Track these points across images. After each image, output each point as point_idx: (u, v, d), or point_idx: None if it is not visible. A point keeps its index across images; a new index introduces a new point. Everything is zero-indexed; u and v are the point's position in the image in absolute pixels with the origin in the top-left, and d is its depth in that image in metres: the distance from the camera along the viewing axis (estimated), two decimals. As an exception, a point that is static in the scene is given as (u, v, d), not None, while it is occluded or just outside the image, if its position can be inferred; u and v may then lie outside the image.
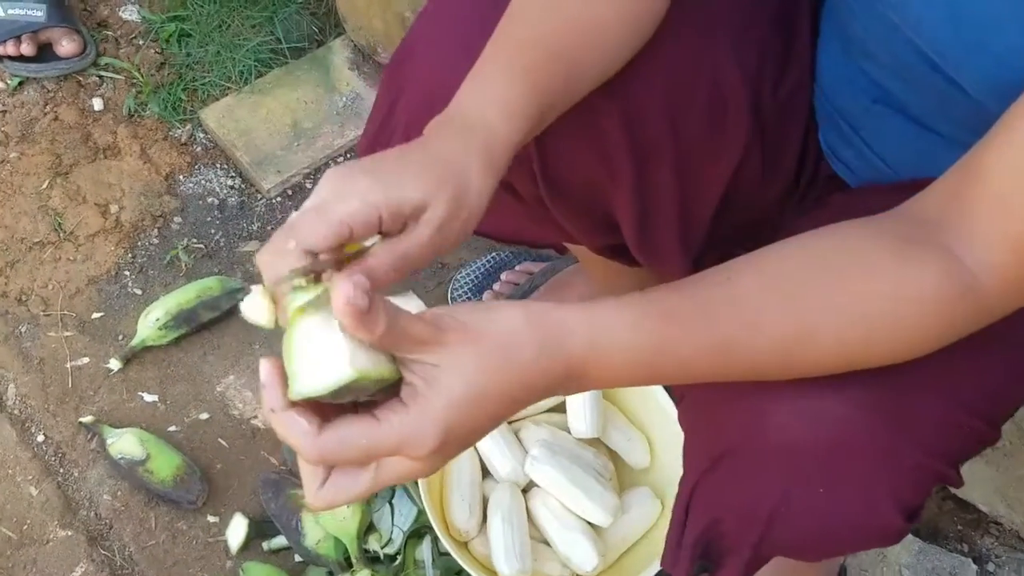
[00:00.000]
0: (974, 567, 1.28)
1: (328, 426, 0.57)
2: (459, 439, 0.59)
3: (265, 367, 0.60)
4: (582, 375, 0.61)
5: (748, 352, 0.64)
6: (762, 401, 0.70)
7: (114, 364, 1.40)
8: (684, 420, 0.81)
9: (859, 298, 0.63)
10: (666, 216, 0.94)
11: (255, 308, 0.62)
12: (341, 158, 1.60)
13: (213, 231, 1.53)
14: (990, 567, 1.30)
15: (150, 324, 1.40)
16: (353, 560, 1.22)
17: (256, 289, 0.62)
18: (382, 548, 1.24)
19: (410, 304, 0.61)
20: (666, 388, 1.23)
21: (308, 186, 1.58)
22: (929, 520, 1.32)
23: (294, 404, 0.58)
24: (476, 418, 0.59)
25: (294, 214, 0.62)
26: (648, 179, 0.90)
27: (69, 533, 1.30)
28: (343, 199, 0.60)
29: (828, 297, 0.63)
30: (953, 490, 1.13)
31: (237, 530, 1.27)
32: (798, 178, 0.98)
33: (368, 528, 1.25)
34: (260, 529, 1.28)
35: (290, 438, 0.58)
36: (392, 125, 0.90)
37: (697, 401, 0.77)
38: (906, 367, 0.66)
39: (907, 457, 0.70)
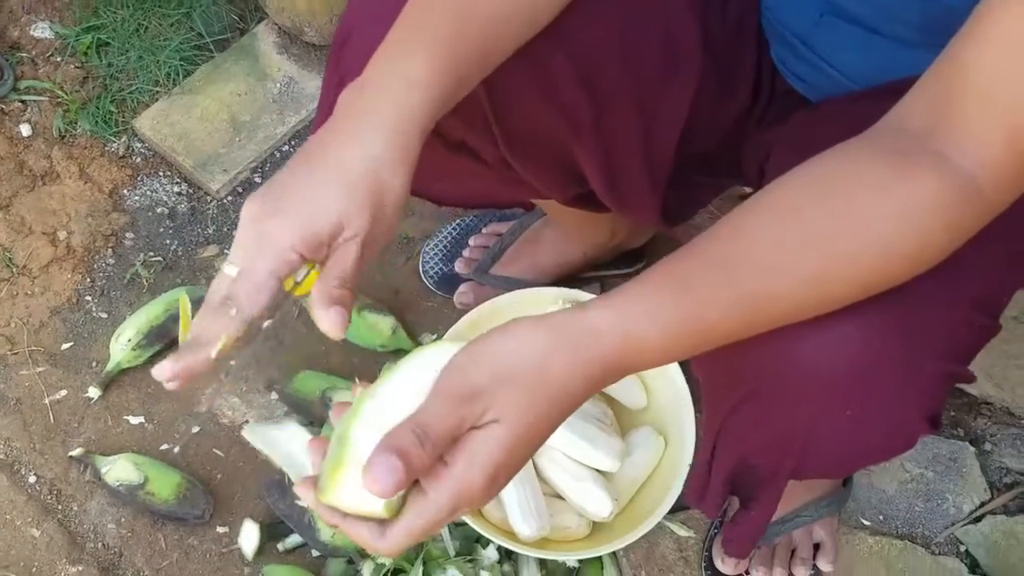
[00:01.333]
0: (972, 449, 1.31)
1: (388, 525, 0.59)
2: (511, 469, 0.60)
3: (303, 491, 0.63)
4: (620, 367, 0.62)
5: (774, 302, 0.64)
6: (782, 338, 0.70)
7: (93, 392, 1.37)
8: (701, 368, 0.81)
9: (870, 222, 0.63)
10: (630, 158, 0.94)
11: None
12: (286, 146, 1.57)
13: (168, 241, 1.50)
14: (987, 446, 1.33)
15: (122, 346, 1.37)
16: (371, 546, 1.22)
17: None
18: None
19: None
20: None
21: (257, 180, 1.54)
22: (923, 411, 1.34)
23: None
24: (528, 446, 0.60)
25: (223, 271, 0.64)
26: (608, 122, 0.89)
27: (80, 568, 1.29)
28: (262, 253, 0.63)
29: (840, 228, 0.63)
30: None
31: (249, 536, 1.27)
32: (755, 98, 0.98)
33: (381, 513, 1.24)
34: (272, 531, 1.28)
35: (359, 541, 0.61)
36: None
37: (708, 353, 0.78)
38: (915, 280, 0.67)
39: (926, 366, 0.71)
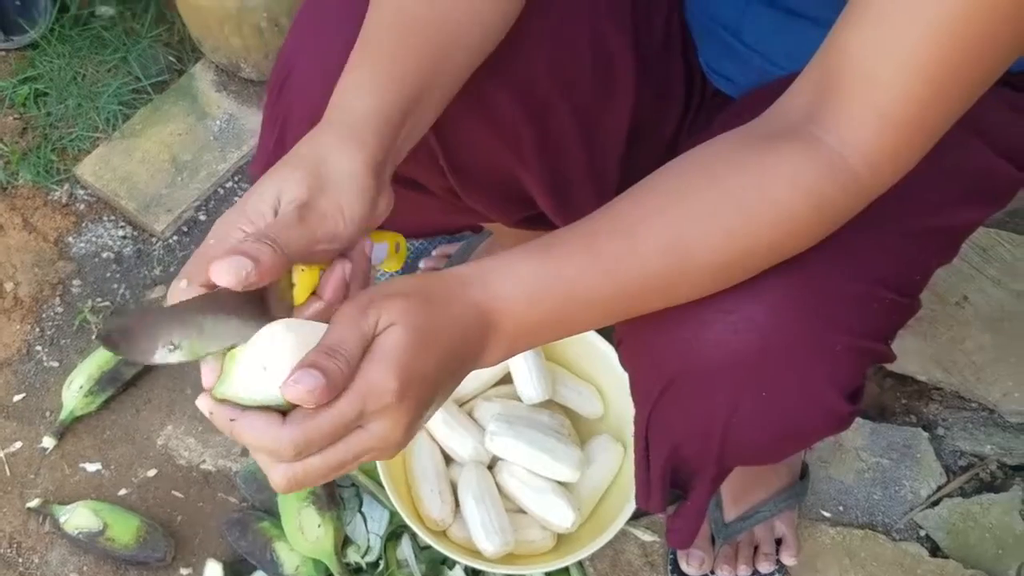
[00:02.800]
0: (925, 434, 1.33)
1: (287, 418, 0.57)
2: (417, 385, 0.58)
3: (205, 369, 0.61)
4: (495, 324, 0.62)
5: (636, 271, 0.64)
6: (692, 325, 0.71)
7: (48, 442, 1.35)
8: (626, 361, 0.82)
9: (728, 194, 0.64)
10: (576, 175, 0.95)
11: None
12: (229, 182, 1.56)
13: (115, 286, 1.49)
14: (939, 431, 1.35)
15: (75, 393, 1.36)
16: (336, 576, 1.22)
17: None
18: (363, 558, 1.23)
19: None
20: (604, 335, 1.24)
21: (202, 218, 1.54)
22: (874, 401, 1.36)
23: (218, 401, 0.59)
24: (426, 360, 0.59)
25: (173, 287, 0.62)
26: (551, 143, 0.90)
27: (43, 622, 1.27)
28: (219, 238, 0.62)
29: (698, 200, 0.64)
30: (889, 366, 1.17)
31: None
32: (688, 105, 0.99)
33: (344, 542, 1.24)
34: (236, 569, 1.27)
35: (254, 439, 0.57)
36: (286, 148, 0.88)
37: (634, 339, 0.79)
38: (812, 258, 0.68)
39: (834, 342, 0.72)
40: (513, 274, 0.62)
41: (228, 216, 0.62)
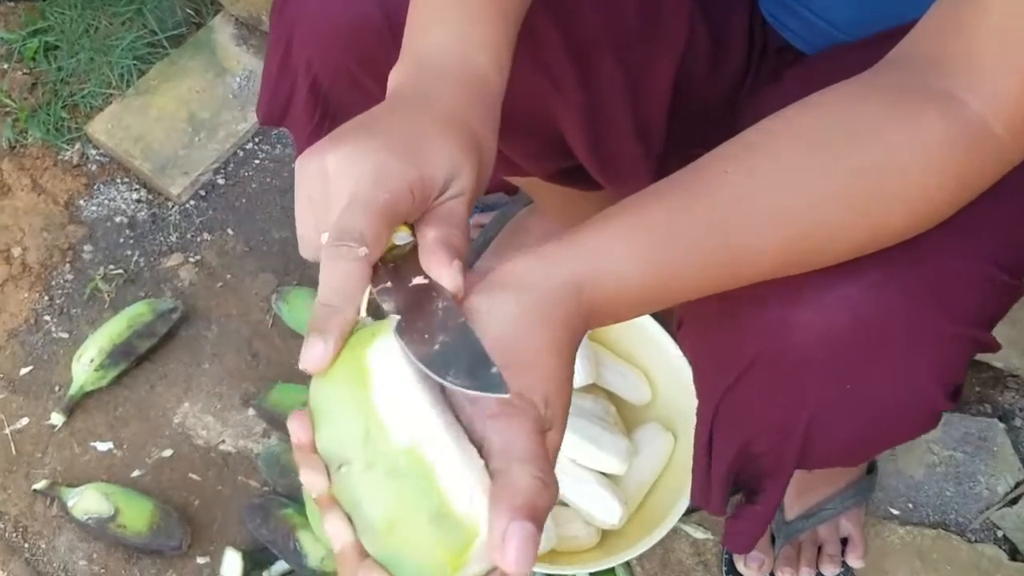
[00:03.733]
0: (1001, 426, 1.23)
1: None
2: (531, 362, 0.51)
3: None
4: (590, 308, 0.54)
5: (760, 256, 0.56)
6: (777, 303, 0.63)
7: (56, 419, 1.27)
8: (689, 344, 0.73)
9: (863, 166, 0.56)
10: (618, 121, 0.87)
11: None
12: (250, 143, 1.47)
13: (129, 252, 1.40)
14: (1017, 422, 1.25)
15: (85, 367, 1.28)
16: (363, 570, 1.13)
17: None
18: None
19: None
20: (655, 316, 1.14)
21: (220, 182, 1.45)
22: (946, 388, 1.26)
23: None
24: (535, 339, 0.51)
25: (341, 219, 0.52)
26: (592, 82, 0.83)
27: (51, 611, 1.19)
28: (377, 184, 0.51)
29: (831, 175, 0.56)
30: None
31: (232, 566, 1.17)
32: (749, 57, 0.90)
33: (372, 533, 1.15)
34: (256, 559, 1.18)
35: None
36: (292, 67, 0.81)
37: (701, 320, 0.70)
38: (925, 232, 0.60)
39: (941, 329, 0.64)
40: (622, 276, 0.55)
41: (389, 154, 0.53)
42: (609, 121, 0.87)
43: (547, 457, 0.48)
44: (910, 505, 1.19)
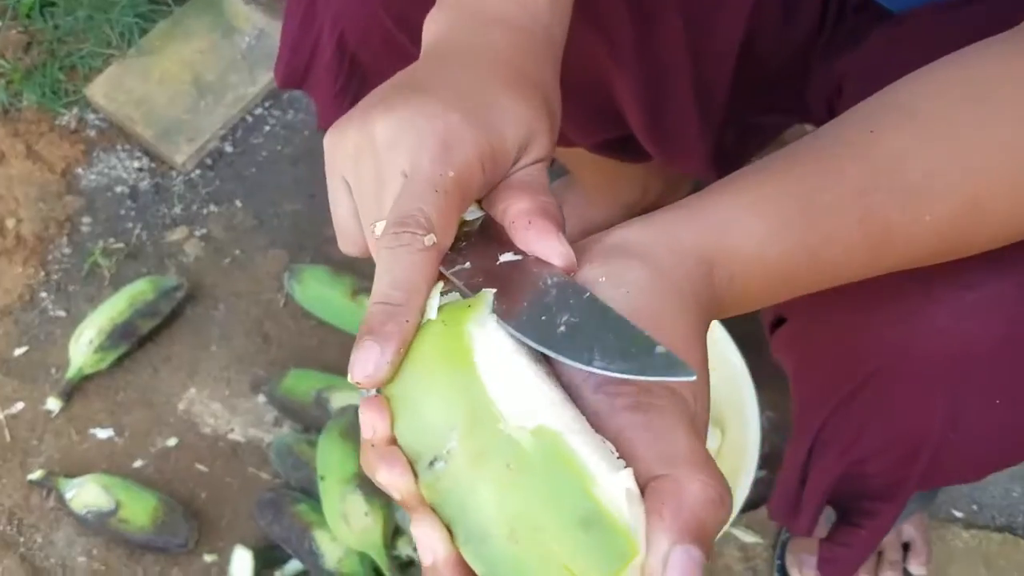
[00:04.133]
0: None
1: None
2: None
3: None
4: (720, 292, 0.45)
5: (918, 228, 0.47)
6: (912, 301, 0.54)
7: (53, 404, 1.19)
8: (791, 347, 0.64)
9: None
10: (678, 86, 0.79)
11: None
12: (259, 108, 1.38)
13: (130, 225, 1.31)
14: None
15: (83, 348, 1.19)
16: (385, 572, 1.05)
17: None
18: (415, 551, 1.07)
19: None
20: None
21: (228, 150, 1.35)
22: None
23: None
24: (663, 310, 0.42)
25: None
26: (653, 40, 0.75)
27: (48, 610, 1.12)
28: (444, 159, 0.43)
29: (996, 142, 0.47)
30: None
31: (242, 565, 1.10)
32: (823, 17, 0.81)
33: (394, 532, 1.07)
34: (268, 558, 1.11)
35: None
36: (316, 23, 0.73)
37: (812, 319, 0.61)
38: None
39: None
40: (757, 260, 0.45)
41: (457, 123, 0.44)
42: (668, 86, 0.79)
43: (715, 465, 0.38)
44: (974, 507, 1.10)
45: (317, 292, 1.21)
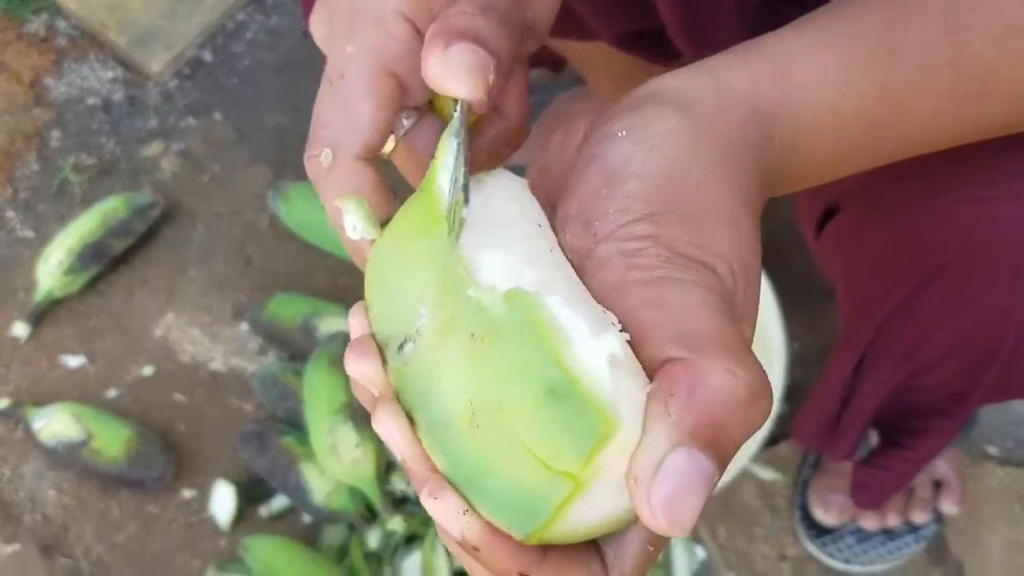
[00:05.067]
0: (1114, 353, 1.06)
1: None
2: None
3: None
4: (784, 151, 0.36)
5: (1011, 84, 0.38)
6: (991, 183, 0.46)
7: (20, 329, 1.11)
8: (845, 245, 0.56)
9: None
10: None
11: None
12: (242, 14, 1.28)
13: (103, 139, 1.22)
14: None
15: (52, 270, 1.11)
16: (377, 508, 0.97)
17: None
18: (410, 486, 0.99)
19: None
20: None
21: (207, 58, 1.25)
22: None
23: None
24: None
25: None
26: None
27: (17, 547, 1.05)
28: (358, 35, 0.36)
29: None
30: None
31: (223, 501, 1.02)
32: None
33: (387, 467, 0.99)
34: (252, 493, 1.03)
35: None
36: None
37: (871, 209, 0.52)
38: None
39: None
40: (830, 113, 0.36)
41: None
42: None
43: (751, 353, 0.29)
44: (1010, 443, 1.03)
45: (304, 212, 1.12)
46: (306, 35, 1.23)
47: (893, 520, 0.95)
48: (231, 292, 1.13)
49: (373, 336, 0.32)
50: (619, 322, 0.29)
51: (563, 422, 0.27)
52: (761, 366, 0.29)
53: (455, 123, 0.33)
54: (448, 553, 0.96)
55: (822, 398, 0.66)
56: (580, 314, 0.28)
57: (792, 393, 0.97)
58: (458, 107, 0.33)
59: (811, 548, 0.97)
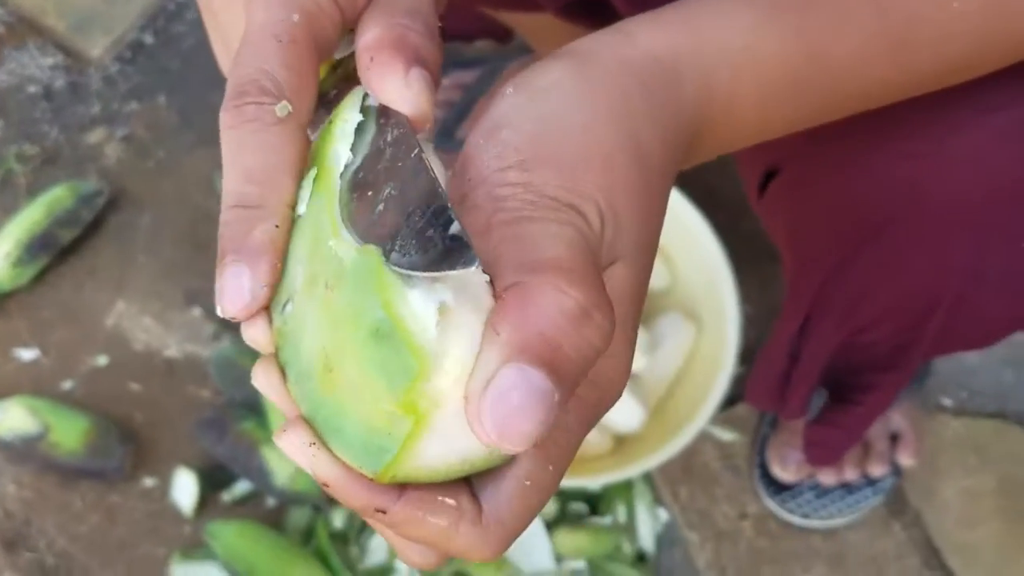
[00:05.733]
0: (1063, 300, 1.08)
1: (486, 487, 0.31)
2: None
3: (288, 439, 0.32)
4: (699, 108, 0.36)
5: (938, 29, 0.38)
6: (927, 139, 0.46)
7: (-30, 325, 1.09)
8: (786, 205, 0.56)
9: None
10: None
11: None
12: (182, -5, 1.25)
13: (46, 127, 1.19)
14: (1080, 295, 1.10)
15: (0, 263, 1.09)
16: (339, 489, 0.97)
17: None
18: (370, 465, 0.99)
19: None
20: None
21: (148, 41, 1.23)
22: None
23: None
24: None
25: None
26: None
27: (-22, 544, 1.03)
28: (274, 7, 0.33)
29: None
30: None
31: (185, 488, 1.02)
32: None
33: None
34: (214, 478, 1.03)
35: (432, 540, 0.31)
36: None
37: (810, 168, 0.52)
38: None
39: None
40: (751, 58, 0.36)
41: None
42: None
43: (597, 279, 0.29)
44: (964, 394, 1.04)
45: (254, 193, 1.11)
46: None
47: (851, 474, 0.96)
48: (182, 278, 1.12)
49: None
50: (480, 265, 0.29)
51: (381, 362, 0.28)
52: (602, 287, 0.29)
53: (355, 98, 0.33)
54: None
55: (770, 359, 0.66)
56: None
57: (747, 355, 0.98)
58: (368, 99, 0.33)
59: (771, 505, 0.98)
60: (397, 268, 0.28)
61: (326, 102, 0.36)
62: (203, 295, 1.09)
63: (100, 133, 1.19)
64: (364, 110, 0.33)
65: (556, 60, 0.34)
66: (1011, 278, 0.51)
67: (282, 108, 0.32)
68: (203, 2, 0.40)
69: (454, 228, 0.29)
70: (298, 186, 0.33)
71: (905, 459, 0.96)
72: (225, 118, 0.32)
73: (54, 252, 1.11)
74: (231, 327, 1.08)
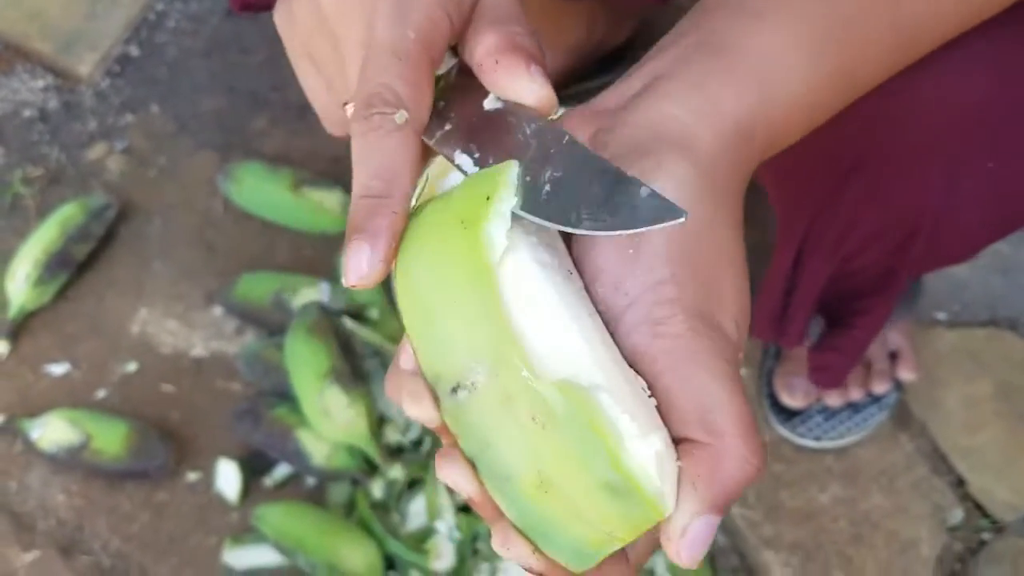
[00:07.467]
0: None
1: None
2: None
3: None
4: (758, 153, 0.41)
5: (936, 25, 0.43)
6: (894, 78, 0.49)
7: (1, 347, 1.13)
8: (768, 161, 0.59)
9: None
10: None
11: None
12: (161, 3, 1.27)
13: (46, 149, 1.23)
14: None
15: (21, 285, 1.13)
16: (377, 461, 1.02)
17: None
18: (404, 435, 1.04)
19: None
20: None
21: (134, 53, 1.26)
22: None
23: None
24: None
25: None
26: None
27: (37, 553, 1.08)
28: (403, 16, 0.38)
29: None
30: None
31: (228, 477, 1.06)
32: None
33: (379, 422, 1.04)
34: (254, 465, 1.07)
35: None
36: None
37: None
38: None
39: None
40: (792, 100, 0.40)
41: None
42: None
43: (755, 430, 0.36)
44: (957, 307, 1.09)
45: (256, 190, 1.14)
46: (229, 14, 1.23)
47: (856, 394, 1.01)
48: (199, 279, 1.16)
49: (421, 372, 0.37)
50: (647, 388, 0.36)
51: (622, 513, 0.35)
52: (762, 442, 0.36)
53: (512, 180, 0.37)
54: (450, 491, 1.01)
55: (768, 293, 0.71)
56: (624, 406, 0.34)
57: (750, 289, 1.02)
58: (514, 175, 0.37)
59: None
60: (607, 413, 0.34)
61: (436, 111, 0.40)
62: (220, 293, 1.13)
63: (100, 148, 1.22)
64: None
65: (671, 153, 0.37)
66: (981, 194, 0.55)
67: (400, 116, 0.37)
68: (299, 40, 0.43)
69: (627, 185, 0.34)
70: (415, 183, 0.38)
71: (905, 374, 1.01)
72: (355, 127, 0.37)
73: (71, 268, 1.14)
74: (253, 320, 1.12)
